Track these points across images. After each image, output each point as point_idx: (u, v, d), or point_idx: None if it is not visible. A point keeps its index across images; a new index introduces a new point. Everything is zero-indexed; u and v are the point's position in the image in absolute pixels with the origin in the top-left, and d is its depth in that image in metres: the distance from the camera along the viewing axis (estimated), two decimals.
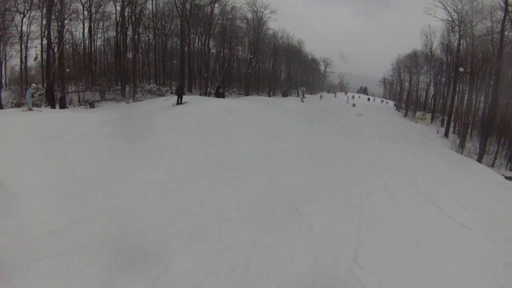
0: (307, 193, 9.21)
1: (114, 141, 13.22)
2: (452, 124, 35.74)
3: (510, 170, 26.16)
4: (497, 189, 13.32)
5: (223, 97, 32.38)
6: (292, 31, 46.48)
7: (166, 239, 7.05)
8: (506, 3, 27.24)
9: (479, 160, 26.38)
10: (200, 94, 36.47)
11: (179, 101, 26.41)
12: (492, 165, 26.39)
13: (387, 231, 7.47)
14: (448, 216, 8.69)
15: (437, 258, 6.87)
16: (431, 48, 39.93)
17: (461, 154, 27.58)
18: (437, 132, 35.49)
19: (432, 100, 42.33)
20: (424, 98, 43.73)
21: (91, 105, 28.10)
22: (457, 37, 34.08)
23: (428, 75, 42.31)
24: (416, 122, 39.33)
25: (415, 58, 43.39)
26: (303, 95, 50.76)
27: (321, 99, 50.97)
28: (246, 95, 40.47)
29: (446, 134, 34.14)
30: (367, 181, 11.03)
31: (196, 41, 38.56)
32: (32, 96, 22.28)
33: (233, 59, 43.24)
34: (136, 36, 34.26)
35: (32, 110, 20.79)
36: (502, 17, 27.87)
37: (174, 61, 38.05)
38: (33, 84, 24.74)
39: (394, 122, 38.61)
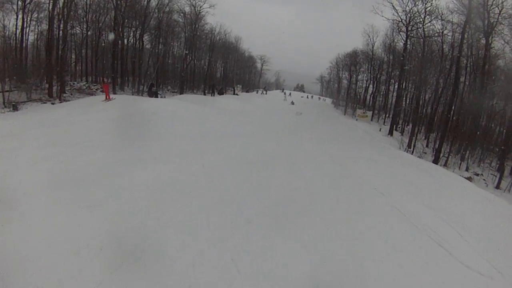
0: (269, 239, 7.18)
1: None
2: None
3: (466, 170, 26.55)
4: (481, 204, 11.99)
5: (157, 96, 31.02)
6: (230, 28, 46.94)
7: None
8: (469, 4, 27.81)
9: (436, 162, 26.50)
10: (133, 93, 35.08)
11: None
12: (445, 165, 26.90)
13: None
14: (460, 261, 7.25)
15: None
16: (372, 47, 41.66)
17: (412, 154, 27.53)
18: (380, 130, 36.14)
19: (371, 98, 43.62)
20: (363, 96, 44.94)
21: (15, 107, 26.06)
22: (403, 37, 35.02)
23: (368, 73, 43.83)
24: (356, 120, 40.17)
25: (355, 57, 44.75)
26: (264, 91, 52.86)
27: (264, 94, 52.46)
28: (180, 94, 39.34)
29: (391, 133, 34.79)
30: (347, 214, 8.86)
31: (131, 35, 37.39)
32: None
33: (168, 55, 42.26)
34: (67, 29, 32.41)
35: None
36: (464, 20, 28.45)
37: (109, 56, 36.49)
38: None
39: (336, 121, 38.78)
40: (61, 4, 31.26)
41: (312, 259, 6.81)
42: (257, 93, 52.42)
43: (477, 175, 26.48)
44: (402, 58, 35.56)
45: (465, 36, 29.02)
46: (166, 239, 6.91)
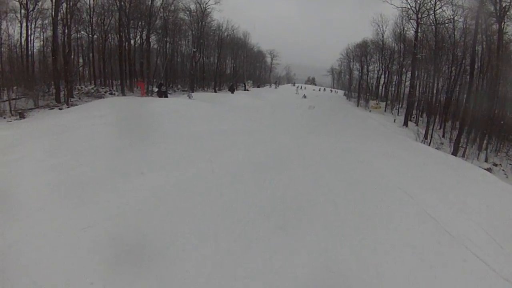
0: (279, 244, 6.49)
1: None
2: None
3: (485, 161, 25.68)
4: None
5: (166, 96, 30.58)
6: (237, 23, 45.89)
7: None
8: None
9: (455, 153, 25.45)
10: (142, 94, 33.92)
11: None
12: (463, 155, 25.75)
13: None
14: (501, 275, 6.27)
15: None
16: (382, 37, 40.52)
17: (429, 145, 26.68)
18: (394, 121, 34.97)
19: (383, 88, 42.66)
20: (374, 87, 43.98)
21: (21, 115, 24.93)
22: (414, 24, 33.78)
23: (379, 63, 42.69)
24: (370, 111, 39.04)
25: (365, 47, 43.69)
26: (276, 85, 52.91)
27: (276, 88, 52.43)
28: (191, 92, 36.88)
29: (406, 123, 33.69)
30: (371, 219, 7.73)
31: (138, 36, 36.76)
32: None
33: (177, 54, 41.58)
34: (74, 33, 32.23)
35: None
36: (478, 6, 27.00)
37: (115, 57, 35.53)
38: None
39: (349, 113, 37.57)
40: (64, 10, 30.61)
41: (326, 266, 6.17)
42: (270, 87, 52.67)
43: (495, 165, 25.48)
44: (414, 47, 34.28)
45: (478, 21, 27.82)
46: (169, 241, 6.58)
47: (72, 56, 33.45)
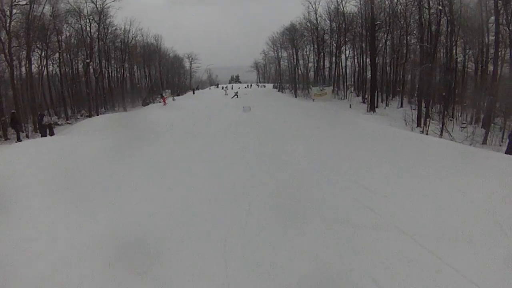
0: None
1: None
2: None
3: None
4: None
5: (51, 131, 22.19)
6: (146, 26, 37.22)
7: None
8: None
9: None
10: (24, 130, 24.57)
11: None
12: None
13: None
14: None
15: None
16: (316, 15, 34.49)
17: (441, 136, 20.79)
18: (350, 107, 29.99)
19: (320, 72, 36.46)
20: (317, 73, 36.82)
21: None
22: None
23: (313, 46, 36.28)
24: (313, 100, 33.26)
25: (294, 32, 37.35)
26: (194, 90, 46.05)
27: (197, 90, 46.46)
28: (89, 116, 30.43)
29: (372, 109, 28.29)
30: None
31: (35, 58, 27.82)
32: None
33: (86, 73, 31.83)
34: None
35: None
36: None
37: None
38: None
39: (296, 108, 30.38)
40: None
41: None
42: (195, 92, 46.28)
43: None
44: (371, 11, 29.16)
45: None
46: None
47: None
